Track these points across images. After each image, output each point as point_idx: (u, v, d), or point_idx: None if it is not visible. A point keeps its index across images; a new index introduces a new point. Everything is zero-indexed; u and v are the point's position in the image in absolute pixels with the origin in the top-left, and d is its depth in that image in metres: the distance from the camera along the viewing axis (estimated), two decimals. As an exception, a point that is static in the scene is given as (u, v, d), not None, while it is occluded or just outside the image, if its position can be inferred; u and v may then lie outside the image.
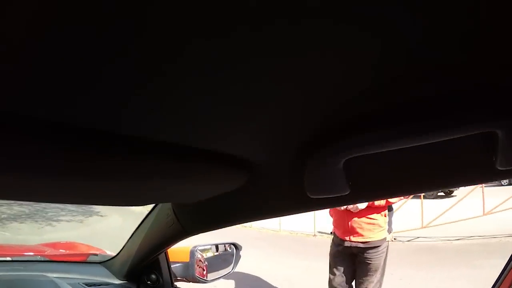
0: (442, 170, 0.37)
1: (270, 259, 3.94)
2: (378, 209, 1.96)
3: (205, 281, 1.05)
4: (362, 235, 1.94)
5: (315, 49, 0.22)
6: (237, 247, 1.14)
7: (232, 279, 3.11)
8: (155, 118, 0.28)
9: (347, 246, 1.98)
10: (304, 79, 0.25)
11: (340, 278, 2.03)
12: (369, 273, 1.97)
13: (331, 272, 2.07)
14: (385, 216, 2.03)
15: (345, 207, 1.91)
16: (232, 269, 1.13)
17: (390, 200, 2.00)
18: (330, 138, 0.33)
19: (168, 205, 0.68)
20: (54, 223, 5.59)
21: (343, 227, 1.99)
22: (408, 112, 0.30)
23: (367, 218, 1.95)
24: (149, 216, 0.82)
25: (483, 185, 5.54)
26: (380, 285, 2.01)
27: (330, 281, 2.07)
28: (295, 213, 0.49)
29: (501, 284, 0.93)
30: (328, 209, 2.14)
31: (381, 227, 1.97)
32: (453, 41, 0.23)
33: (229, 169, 0.40)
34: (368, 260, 1.96)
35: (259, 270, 3.43)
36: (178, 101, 0.26)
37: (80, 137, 0.26)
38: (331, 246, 2.13)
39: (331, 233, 2.19)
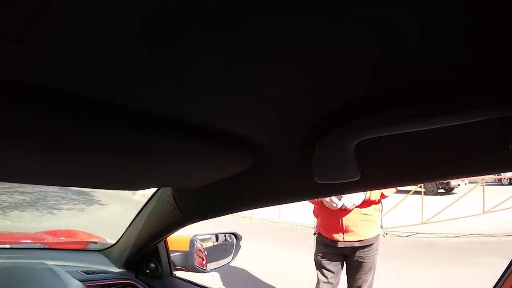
0: (456, 158, 0.36)
1: (270, 251, 3.97)
2: (374, 203, 1.79)
3: (204, 271, 1.05)
4: (356, 233, 1.76)
5: (316, 47, 0.23)
6: (237, 237, 1.13)
7: (231, 270, 3.13)
8: (156, 90, 0.27)
9: (340, 247, 1.79)
10: (312, 62, 0.25)
11: (333, 280, 1.85)
12: (363, 272, 1.83)
13: (321, 275, 1.87)
14: (379, 210, 1.86)
15: (340, 206, 1.72)
16: (232, 259, 1.12)
17: (385, 193, 1.81)
18: (342, 118, 0.32)
19: (168, 191, 0.67)
20: (55, 211, 5.66)
21: (334, 226, 1.79)
22: (423, 94, 0.29)
23: (362, 214, 1.77)
24: (149, 203, 0.81)
25: (484, 183, 5.59)
26: (372, 280, 1.90)
27: (318, 285, 1.88)
28: (300, 200, 0.47)
29: (502, 284, 0.92)
30: (312, 209, 1.97)
31: (376, 223, 1.82)
32: (453, 41, 0.23)
33: (234, 149, 0.39)
34: (362, 259, 1.81)
35: (258, 261, 3.46)
36: (180, 71, 0.24)
37: (76, 108, 0.25)
38: (316, 248, 1.91)
39: (314, 234, 1.98)
